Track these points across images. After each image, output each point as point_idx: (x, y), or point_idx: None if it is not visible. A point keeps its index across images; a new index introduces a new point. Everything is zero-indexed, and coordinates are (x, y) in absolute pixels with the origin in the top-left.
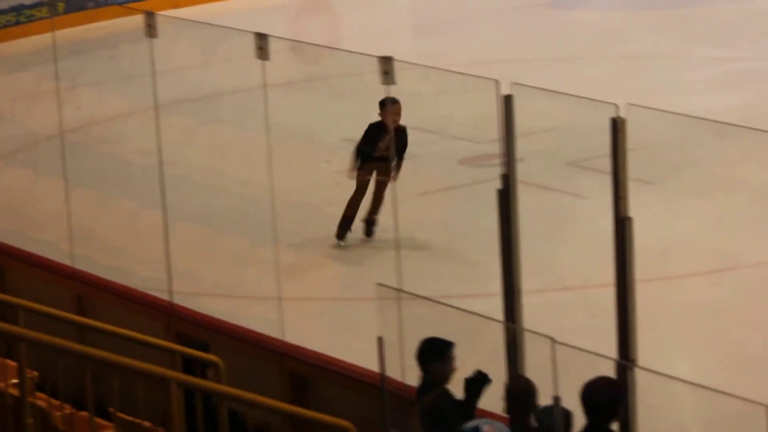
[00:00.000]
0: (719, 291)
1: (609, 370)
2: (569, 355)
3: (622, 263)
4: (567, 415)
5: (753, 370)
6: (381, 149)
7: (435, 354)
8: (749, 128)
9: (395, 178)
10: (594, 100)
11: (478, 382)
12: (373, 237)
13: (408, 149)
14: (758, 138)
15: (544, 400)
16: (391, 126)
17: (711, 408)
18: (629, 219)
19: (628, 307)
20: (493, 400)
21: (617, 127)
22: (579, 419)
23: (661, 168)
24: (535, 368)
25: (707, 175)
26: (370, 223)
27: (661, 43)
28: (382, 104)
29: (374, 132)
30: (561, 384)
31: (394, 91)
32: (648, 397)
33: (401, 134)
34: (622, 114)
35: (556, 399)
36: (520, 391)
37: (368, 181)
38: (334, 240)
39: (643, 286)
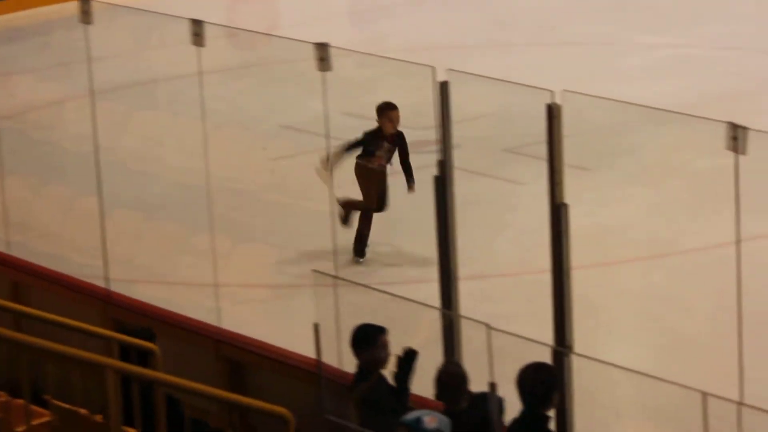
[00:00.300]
0: (656, 277)
1: (545, 357)
2: (505, 342)
3: (558, 249)
4: (499, 402)
5: (689, 356)
6: (379, 159)
7: (367, 341)
8: (685, 114)
9: (413, 189)
10: (530, 86)
11: (407, 358)
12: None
13: (344, 135)
14: (694, 124)
15: (481, 386)
16: (389, 133)
17: (647, 394)
18: (565, 205)
19: (564, 294)
20: (429, 386)
21: (553, 113)
22: (516, 405)
23: (598, 154)
24: (471, 354)
25: (644, 161)
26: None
27: (598, 30)
28: (380, 109)
29: (371, 140)
30: (498, 370)
31: (329, 78)
32: (584, 382)
33: (401, 140)
34: (558, 100)
35: (492, 385)
36: (450, 377)
37: (374, 190)
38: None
39: (580, 273)
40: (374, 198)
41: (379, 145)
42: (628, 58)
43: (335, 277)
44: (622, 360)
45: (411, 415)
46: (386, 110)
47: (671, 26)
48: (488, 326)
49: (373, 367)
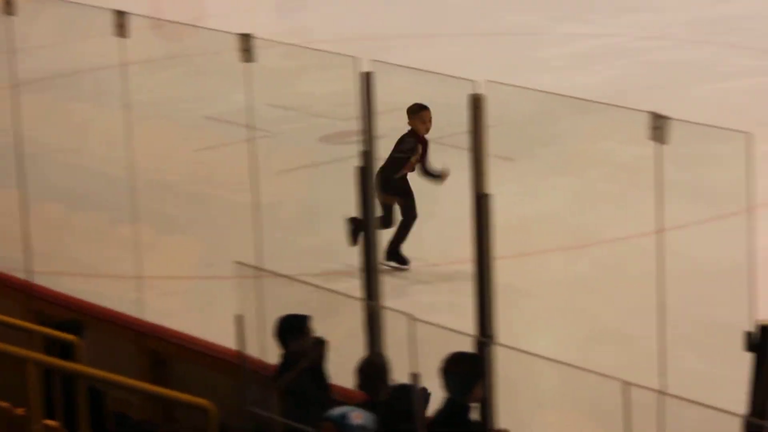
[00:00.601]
0: (579, 266)
1: (469, 347)
2: (429, 332)
3: (481, 239)
4: (422, 393)
5: (612, 345)
6: (413, 164)
7: (292, 331)
8: (608, 104)
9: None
10: (453, 76)
11: (316, 346)
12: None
13: (268, 127)
14: (617, 114)
15: (405, 377)
16: (422, 135)
17: (569, 384)
18: (488, 195)
19: (487, 284)
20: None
21: (476, 103)
22: (440, 395)
23: (522, 144)
24: (395, 345)
25: (567, 151)
26: (394, 253)
27: (522, 20)
28: (412, 111)
29: (409, 145)
30: (422, 361)
31: (254, 69)
32: (507, 372)
33: (426, 142)
34: (481, 90)
35: (414, 376)
36: (372, 367)
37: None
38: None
39: (504, 262)
40: (413, 206)
41: (415, 150)
42: (552, 48)
43: (257, 268)
44: (546, 350)
45: (337, 411)
46: (419, 111)
47: (595, 16)
48: (411, 317)
49: (299, 357)
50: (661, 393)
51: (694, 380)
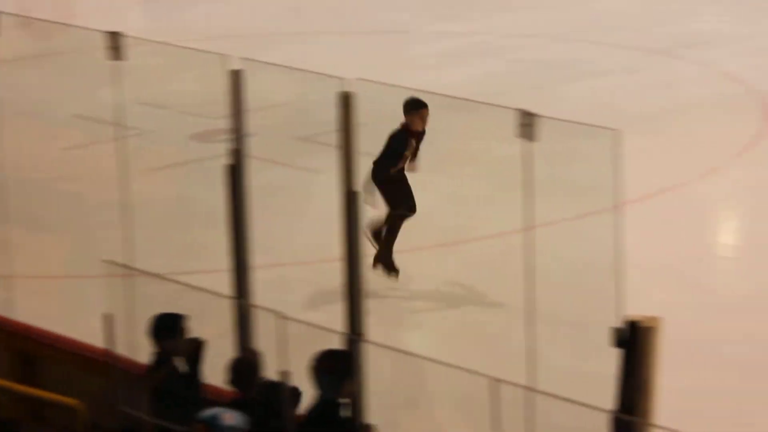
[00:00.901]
0: (452, 264)
1: (340, 344)
2: (301, 330)
3: (351, 237)
4: (293, 390)
5: (482, 342)
6: (405, 159)
7: (166, 330)
8: (478, 102)
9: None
10: (322, 74)
11: (194, 348)
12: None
13: (138, 125)
14: (488, 112)
15: (276, 375)
16: (417, 130)
17: (440, 380)
18: (358, 193)
19: (357, 281)
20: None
21: (345, 101)
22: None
23: None
24: (267, 344)
25: (439, 149)
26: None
27: (394, 18)
28: (410, 107)
29: (400, 143)
30: (295, 359)
31: (124, 67)
32: (378, 369)
33: (422, 137)
34: (352, 88)
35: (284, 374)
36: (244, 364)
37: (402, 192)
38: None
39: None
40: (402, 200)
41: (408, 144)
42: (424, 46)
43: (127, 267)
44: (417, 347)
45: (208, 412)
46: (418, 108)
47: (466, 14)
48: (280, 314)
49: (173, 356)
50: (530, 389)
51: (563, 376)
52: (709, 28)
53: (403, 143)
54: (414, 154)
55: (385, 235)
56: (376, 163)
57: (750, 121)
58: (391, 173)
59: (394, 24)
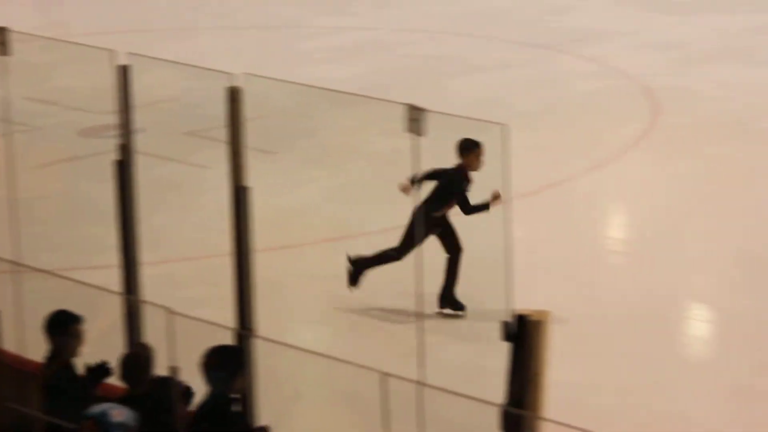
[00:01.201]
0: (339, 259)
1: (230, 340)
2: (191, 326)
3: (240, 232)
4: (182, 386)
5: (372, 337)
6: (455, 203)
7: (60, 326)
8: (367, 97)
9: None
10: (210, 69)
11: (99, 373)
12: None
13: (26, 121)
14: (377, 107)
15: (166, 371)
16: (475, 171)
17: (330, 375)
18: (247, 188)
19: (246, 276)
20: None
21: (233, 96)
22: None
23: (282, 137)
24: (157, 340)
25: (327, 144)
26: (448, 299)
27: (283, 13)
28: (466, 147)
29: (455, 186)
30: (186, 355)
31: (11, 62)
32: (268, 364)
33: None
34: (240, 83)
35: (173, 369)
36: (135, 359)
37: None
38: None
39: (264, 255)
40: (455, 240)
41: (464, 188)
42: (313, 41)
43: (14, 263)
44: (307, 342)
45: (97, 408)
46: (475, 148)
47: (355, 9)
48: (169, 310)
49: (68, 353)
50: (420, 384)
51: (454, 370)
52: (595, 23)
53: (458, 186)
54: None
55: (447, 275)
56: (425, 205)
57: (636, 115)
58: (435, 216)
59: (283, 18)
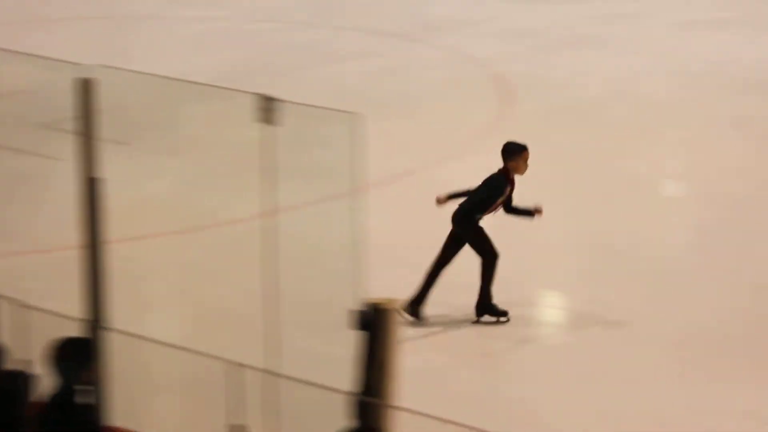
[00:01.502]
0: (192, 250)
1: (81, 332)
2: (42, 319)
3: (92, 224)
4: (30, 379)
5: (225, 327)
6: (497, 207)
7: None
8: (220, 87)
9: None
10: (62, 60)
11: None
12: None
13: None
14: (231, 97)
15: (17, 364)
16: (521, 175)
17: (183, 367)
18: (98, 179)
19: (98, 268)
20: None
21: (85, 87)
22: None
23: (136, 129)
24: (7, 333)
25: (181, 135)
26: (486, 307)
27: (139, 3)
28: (514, 151)
29: (498, 190)
30: (35, 347)
31: None
32: (121, 356)
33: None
34: (93, 75)
35: (25, 362)
36: None
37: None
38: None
39: (117, 246)
40: (489, 245)
41: (506, 192)
42: (170, 33)
43: None
44: (160, 333)
45: None
46: (522, 152)
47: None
48: (19, 302)
49: None
50: (270, 373)
51: (306, 360)
52: (447, 12)
53: (501, 190)
54: (508, 199)
55: (483, 283)
56: (466, 207)
57: (489, 104)
58: (478, 218)
59: (140, 9)
